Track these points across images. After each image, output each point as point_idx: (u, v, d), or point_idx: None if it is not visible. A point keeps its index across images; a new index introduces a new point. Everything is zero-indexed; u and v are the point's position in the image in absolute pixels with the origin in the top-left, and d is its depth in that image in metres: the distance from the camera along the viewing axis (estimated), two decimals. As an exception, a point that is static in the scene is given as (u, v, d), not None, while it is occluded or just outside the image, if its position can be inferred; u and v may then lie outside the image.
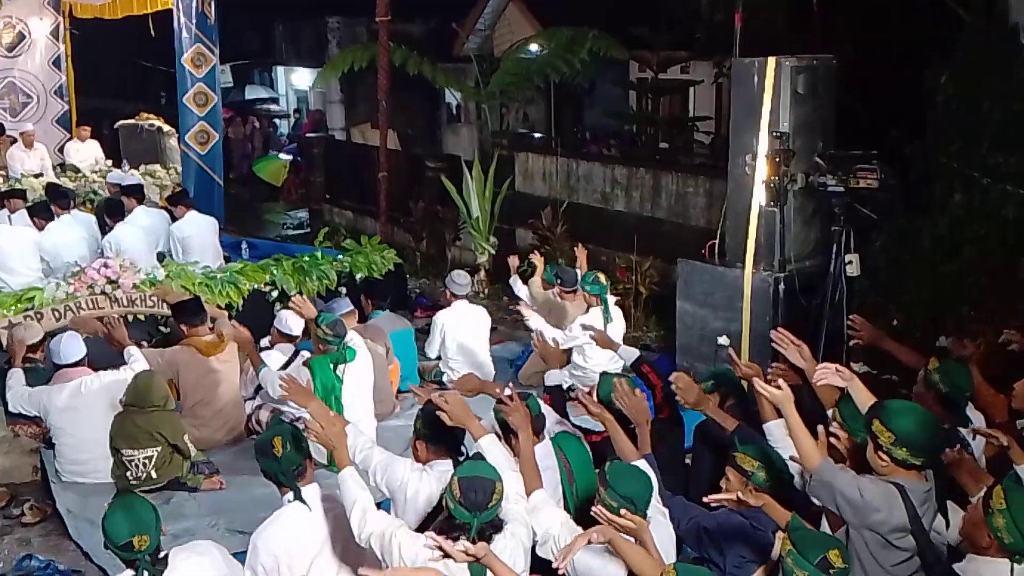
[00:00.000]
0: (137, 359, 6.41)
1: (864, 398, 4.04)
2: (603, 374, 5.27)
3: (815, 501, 3.82)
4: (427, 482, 4.29)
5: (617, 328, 7.24)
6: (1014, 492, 3.33)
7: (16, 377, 6.51)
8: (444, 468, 4.32)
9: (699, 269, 7.41)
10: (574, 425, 5.25)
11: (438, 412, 4.22)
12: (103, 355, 6.83)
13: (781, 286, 6.84)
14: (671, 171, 11.57)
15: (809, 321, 6.50)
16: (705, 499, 4.05)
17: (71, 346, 6.59)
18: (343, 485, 4.01)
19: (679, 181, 11.19)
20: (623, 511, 3.63)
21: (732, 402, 5.28)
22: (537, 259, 8.55)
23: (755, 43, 7.76)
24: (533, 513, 3.95)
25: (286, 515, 4.21)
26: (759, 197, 6.86)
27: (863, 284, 6.66)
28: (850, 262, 6.46)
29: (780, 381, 4.00)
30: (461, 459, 4.28)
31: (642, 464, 4.19)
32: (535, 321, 7.32)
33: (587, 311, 7.32)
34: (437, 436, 4.38)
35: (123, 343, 6.56)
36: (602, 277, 7.37)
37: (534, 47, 14.94)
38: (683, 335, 7.52)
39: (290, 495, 4.22)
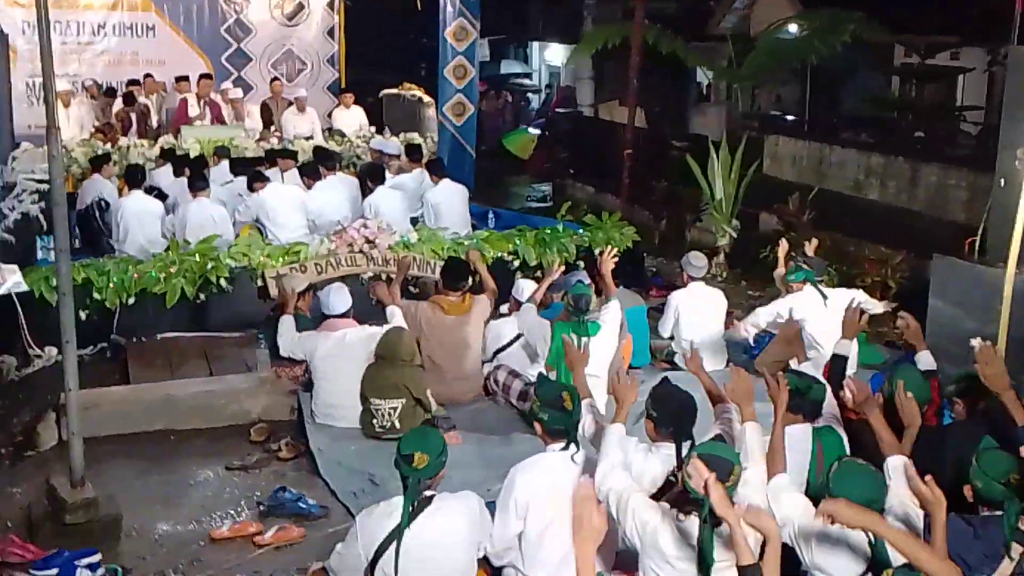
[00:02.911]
0: (397, 318, 6.79)
1: None
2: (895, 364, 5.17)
3: None
4: (652, 463, 4.39)
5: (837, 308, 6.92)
6: None
7: (287, 324, 7.02)
8: (668, 452, 4.41)
9: (956, 266, 7.05)
10: None
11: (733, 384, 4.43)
12: (366, 310, 7.32)
13: (1044, 290, 6.42)
14: (932, 162, 10.99)
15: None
16: None
17: (339, 298, 7.07)
18: (608, 437, 4.26)
19: (940, 173, 10.63)
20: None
21: (982, 406, 5.04)
22: (780, 248, 8.27)
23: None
24: (773, 497, 3.98)
25: (550, 460, 4.39)
26: (1027, 194, 6.44)
27: None
28: (1122, 270, 5.98)
29: None
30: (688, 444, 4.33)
31: (898, 462, 4.11)
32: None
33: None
34: (666, 419, 4.45)
35: (385, 301, 6.97)
36: (804, 264, 7.24)
37: (793, 28, 14.53)
38: (933, 335, 7.13)
39: (557, 446, 4.39)
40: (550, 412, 4.38)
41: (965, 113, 14.73)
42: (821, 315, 6.92)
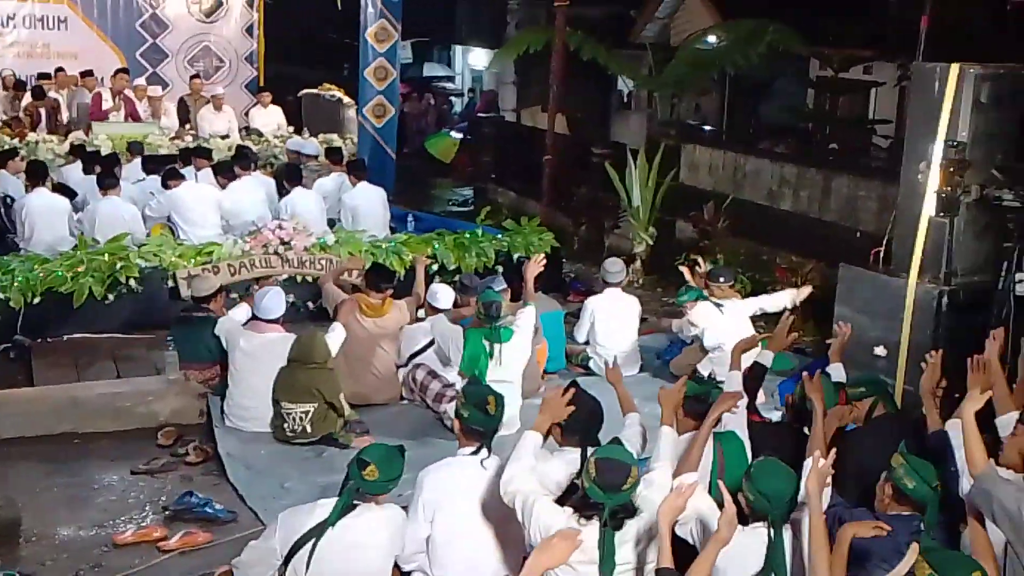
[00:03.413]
0: (338, 330, 6.70)
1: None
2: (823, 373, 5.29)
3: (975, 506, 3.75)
4: (554, 465, 4.43)
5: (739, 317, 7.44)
6: None
7: (240, 312, 6.97)
8: (572, 456, 4.45)
9: (861, 275, 7.23)
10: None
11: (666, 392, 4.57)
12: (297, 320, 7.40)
13: (945, 300, 6.60)
14: (844, 173, 11.24)
15: (972, 338, 6.25)
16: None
17: (275, 302, 6.79)
18: (524, 440, 4.23)
19: (851, 184, 10.87)
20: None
21: (883, 411, 5.19)
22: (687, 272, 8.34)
23: (944, 46, 7.48)
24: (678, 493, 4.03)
25: (460, 463, 4.43)
26: (930, 207, 6.64)
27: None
28: (1021, 280, 6.20)
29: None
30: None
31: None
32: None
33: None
34: (574, 424, 4.49)
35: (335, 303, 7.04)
36: (691, 281, 7.84)
37: (712, 38, 14.71)
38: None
39: (469, 450, 4.42)
40: (472, 411, 4.41)
41: (877, 126, 15.08)
42: (717, 321, 7.33)
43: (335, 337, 6.64)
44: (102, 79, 13.74)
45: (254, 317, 6.87)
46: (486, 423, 4.43)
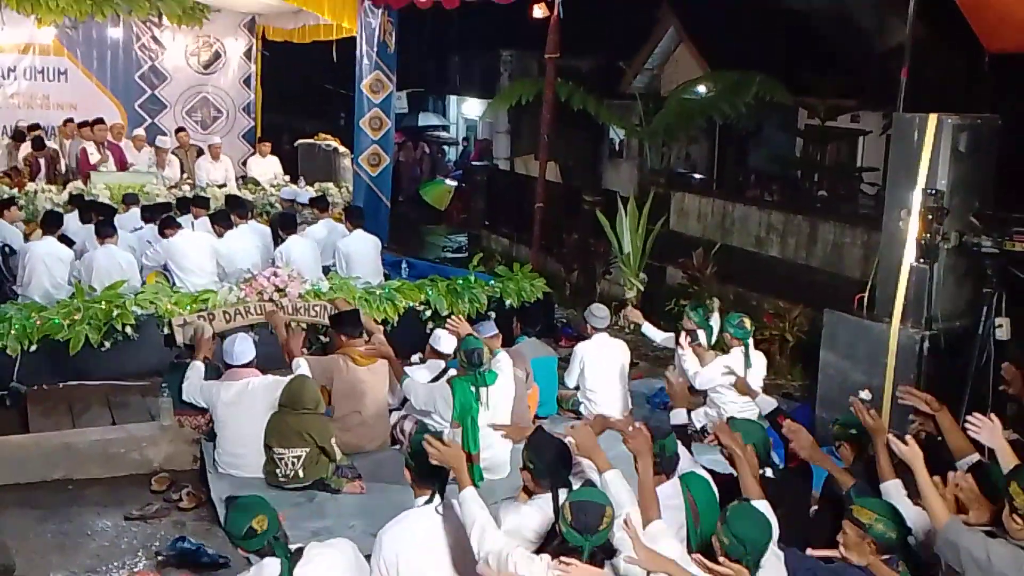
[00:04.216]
0: (303, 369, 6.79)
1: (1008, 460, 4.01)
2: (731, 419, 5.35)
3: (942, 559, 3.81)
4: (528, 514, 4.43)
5: (757, 375, 7.31)
6: None
7: (196, 370, 6.97)
8: (542, 502, 4.45)
9: (845, 320, 7.34)
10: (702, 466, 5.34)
11: (568, 440, 4.39)
12: (271, 358, 7.32)
13: (927, 344, 6.71)
14: (829, 220, 11.45)
15: (954, 382, 6.37)
16: (810, 551, 4.09)
17: (244, 348, 6.98)
18: (464, 504, 4.17)
19: (836, 230, 11.07)
20: (722, 559, 3.70)
21: (865, 455, 5.27)
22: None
23: (924, 96, 7.66)
24: (650, 543, 4.03)
25: (413, 516, 4.38)
26: (910, 253, 6.77)
27: (1013, 349, 6.48)
28: (1000, 326, 6.31)
29: (908, 438, 4.03)
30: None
31: (764, 507, 4.26)
32: (690, 361, 7.48)
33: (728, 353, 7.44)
34: (542, 469, 4.50)
35: (293, 354, 6.99)
36: (747, 322, 7.46)
37: (700, 88, 15.04)
38: (824, 386, 7.45)
39: (424, 498, 4.38)
40: (419, 459, 4.33)
41: (864, 174, 15.33)
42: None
43: (302, 371, 6.71)
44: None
45: (227, 366, 6.97)
46: (435, 469, 4.32)
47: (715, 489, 4.87)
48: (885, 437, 4.54)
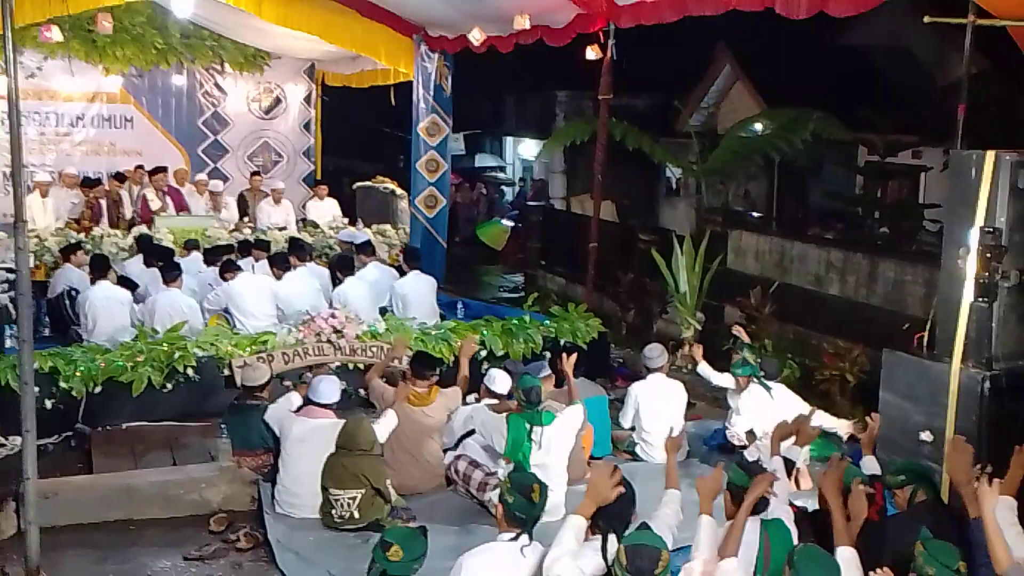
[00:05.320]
0: (390, 417, 6.85)
1: None
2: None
3: None
4: (586, 556, 4.39)
5: (787, 405, 7.49)
6: None
7: (291, 400, 7.13)
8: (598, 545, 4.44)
9: (904, 360, 7.21)
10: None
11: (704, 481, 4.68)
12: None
13: (988, 384, 6.56)
14: (889, 257, 11.28)
15: (1016, 422, 6.22)
16: None
17: (329, 389, 7.02)
18: (567, 524, 4.34)
19: (897, 268, 10.90)
20: None
21: (923, 499, 5.17)
22: (741, 332, 8.57)
23: (983, 132, 7.55)
24: None
25: (500, 549, 4.45)
26: (969, 292, 6.65)
27: (1078, 390, 6.33)
28: (1064, 365, 6.17)
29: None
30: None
31: (848, 553, 4.25)
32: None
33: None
34: (602, 514, 4.51)
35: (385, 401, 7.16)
36: (750, 356, 7.76)
37: (757, 126, 14.97)
38: (884, 427, 7.24)
39: (510, 535, 4.46)
40: (516, 497, 4.46)
41: (926, 211, 15.10)
42: (765, 407, 7.56)
43: (386, 423, 6.77)
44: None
45: (308, 402, 7.04)
46: (528, 510, 4.48)
47: (794, 538, 4.84)
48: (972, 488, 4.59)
